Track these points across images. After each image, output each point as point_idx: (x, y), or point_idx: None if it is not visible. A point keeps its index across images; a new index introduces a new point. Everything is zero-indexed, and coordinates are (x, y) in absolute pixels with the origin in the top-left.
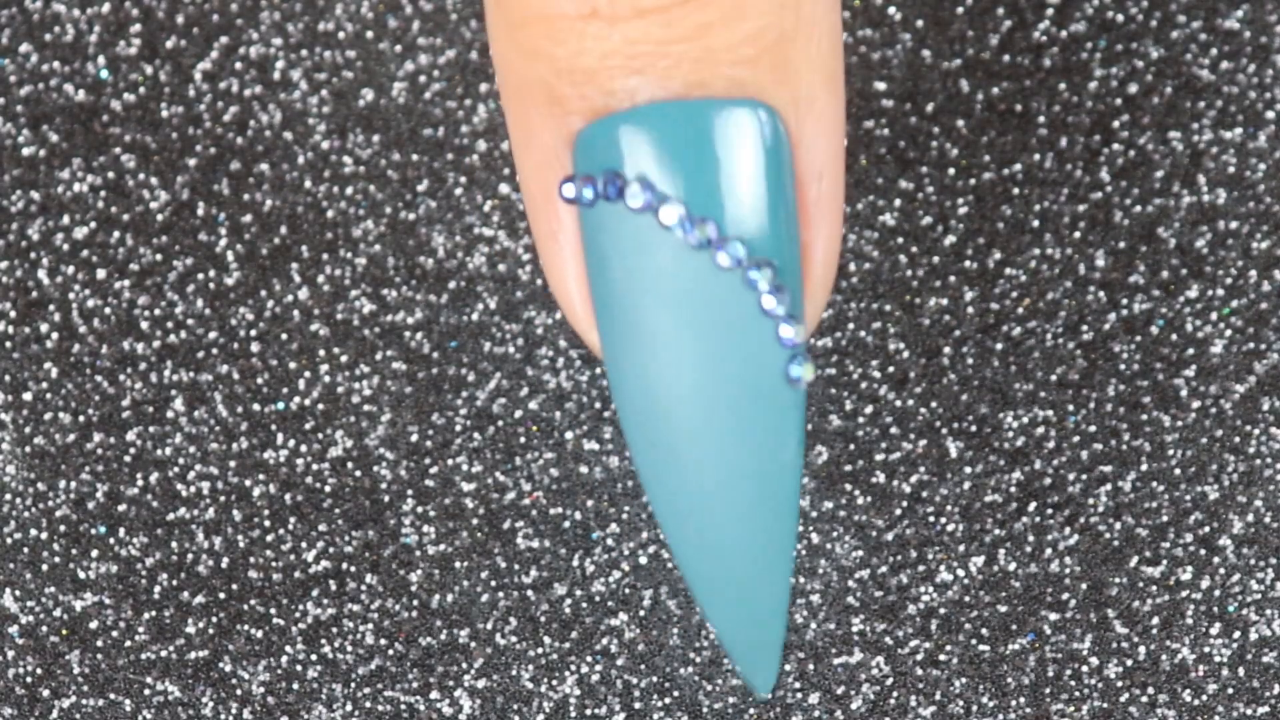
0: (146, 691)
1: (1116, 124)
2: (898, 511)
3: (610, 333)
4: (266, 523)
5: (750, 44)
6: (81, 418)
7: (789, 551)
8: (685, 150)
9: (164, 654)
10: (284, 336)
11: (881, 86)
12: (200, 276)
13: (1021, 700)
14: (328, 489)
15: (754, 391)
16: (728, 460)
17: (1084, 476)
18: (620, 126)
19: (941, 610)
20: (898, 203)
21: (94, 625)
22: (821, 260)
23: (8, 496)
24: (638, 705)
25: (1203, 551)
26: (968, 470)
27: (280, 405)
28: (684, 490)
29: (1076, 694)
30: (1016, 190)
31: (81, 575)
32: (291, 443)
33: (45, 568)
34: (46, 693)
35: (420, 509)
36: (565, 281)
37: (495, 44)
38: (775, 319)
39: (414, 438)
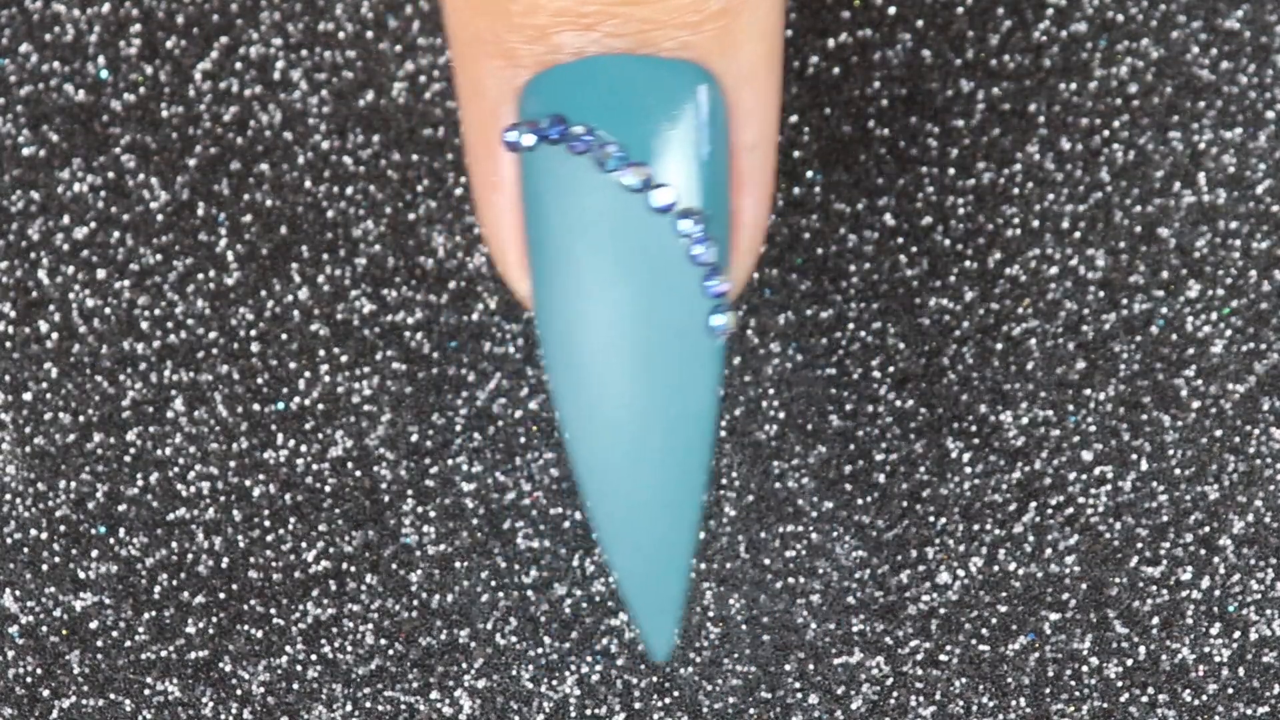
0: (146, 691)
1: (1116, 124)
2: (898, 511)
3: (541, 275)
4: (266, 523)
5: (695, 11)
6: (81, 418)
7: (696, 503)
8: (626, 101)
9: (164, 654)
10: (284, 336)
11: (881, 87)
12: (200, 276)
13: (1021, 700)
14: (328, 489)
15: (675, 337)
16: (643, 402)
17: (1084, 476)
18: (565, 75)
19: (941, 610)
20: (898, 203)
21: (94, 625)
22: (748, 225)
23: (8, 496)
24: (638, 705)
25: (1203, 551)
26: (968, 470)
27: (280, 405)
28: (599, 430)
29: (1076, 694)
30: (1016, 190)
31: (81, 575)
32: (291, 443)
33: (45, 568)
34: (46, 693)
35: (420, 509)
36: (501, 230)
37: None
38: (702, 267)
39: (414, 438)
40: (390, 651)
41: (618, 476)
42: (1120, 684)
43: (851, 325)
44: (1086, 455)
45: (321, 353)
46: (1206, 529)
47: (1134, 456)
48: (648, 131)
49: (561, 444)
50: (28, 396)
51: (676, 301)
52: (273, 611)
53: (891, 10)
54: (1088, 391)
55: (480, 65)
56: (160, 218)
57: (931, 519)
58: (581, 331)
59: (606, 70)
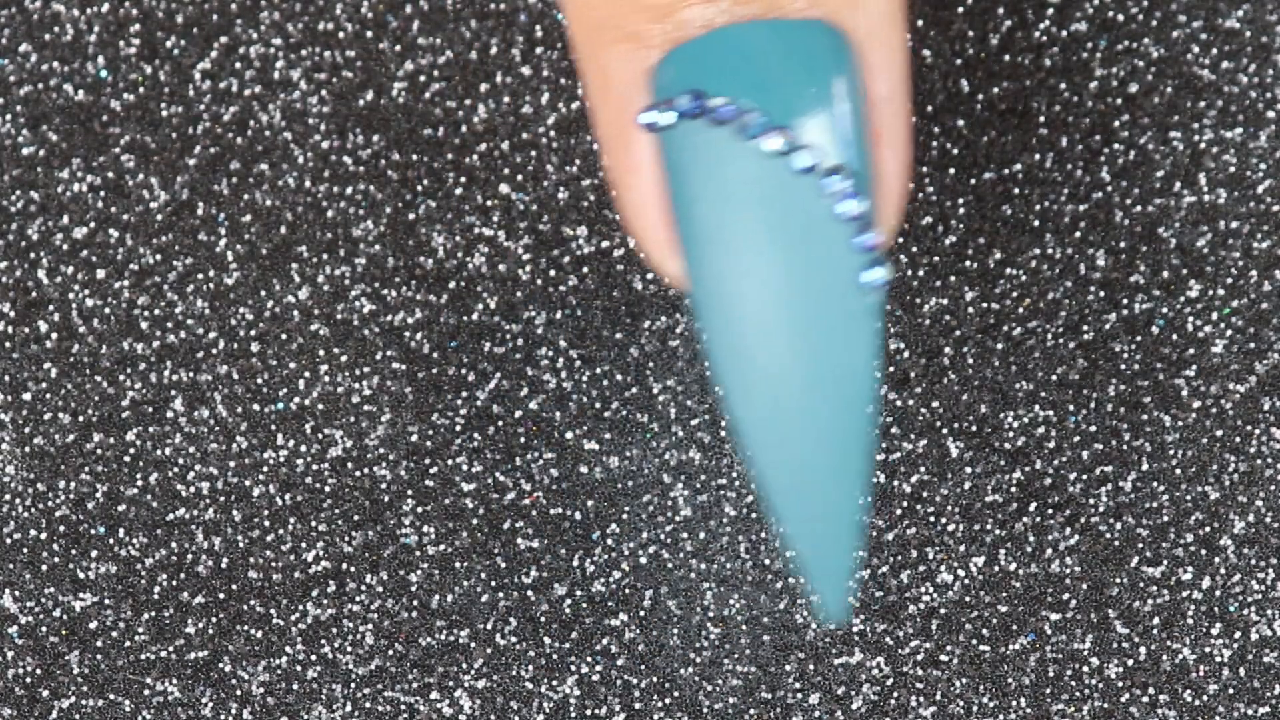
0: (146, 691)
1: (1116, 124)
2: (898, 511)
3: (692, 250)
4: (266, 523)
5: None
6: (81, 418)
7: (863, 462)
8: (760, 68)
9: (164, 654)
10: (284, 336)
11: None
12: (200, 276)
13: (1022, 700)
14: (328, 489)
15: (831, 295)
16: (804, 363)
17: (1084, 476)
18: (696, 50)
19: (942, 610)
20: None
21: (94, 625)
22: (891, 176)
23: (8, 496)
24: (638, 705)
25: (1203, 552)
26: (968, 470)
27: (280, 405)
28: (762, 396)
29: (1077, 694)
30: (1016, 190)
31: (81, 575)
32: (291, 443)
33: (45, 568)
34: (46, 693)
35: (420, 509)
36: (647, 213)
37: None
38: (852, 222)
39: (414, 438)
40: (390, 651)
41: (784, 441)
42: (1121, 684)
43: None
44: (1086, 455)
45: (321, 353)
46: (1207, 529)
47: (1134, 456)
48: (785, 95)
49: (562, 444)
50: (28, 396)
51: (830, 260)
52: (273, 611)
53: None
54: (1088, 391)
55: (607, 52)
56: (160, 218)
57: (931, 519)
58: (738, 301)
59: (737, 39)
